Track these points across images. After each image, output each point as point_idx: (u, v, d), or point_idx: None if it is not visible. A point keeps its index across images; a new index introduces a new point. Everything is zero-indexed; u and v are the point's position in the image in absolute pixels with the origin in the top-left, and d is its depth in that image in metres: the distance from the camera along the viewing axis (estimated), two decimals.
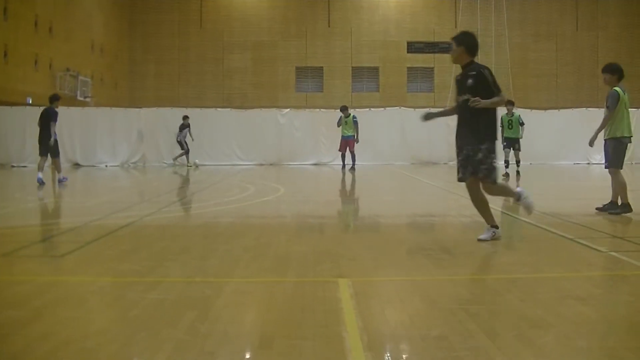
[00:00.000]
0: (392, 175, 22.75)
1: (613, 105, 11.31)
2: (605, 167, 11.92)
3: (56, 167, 19.65)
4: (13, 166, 29.05)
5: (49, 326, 4.90)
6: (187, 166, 29.41)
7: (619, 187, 11.44)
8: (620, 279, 6.74)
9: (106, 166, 29.68)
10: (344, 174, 24.47)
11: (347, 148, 26.50)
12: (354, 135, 26.42)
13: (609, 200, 11.60)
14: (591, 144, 12.15)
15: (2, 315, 5.23)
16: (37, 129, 19.50)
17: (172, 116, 31.06)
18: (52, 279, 6.55)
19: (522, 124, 21.21)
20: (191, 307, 5.40)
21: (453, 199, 15.57)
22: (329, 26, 47.25)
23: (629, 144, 11.72)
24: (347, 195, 17.65)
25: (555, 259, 7.65)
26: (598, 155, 31.20)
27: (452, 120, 27.25)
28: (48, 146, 19.06)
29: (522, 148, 22.30)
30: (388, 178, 21.85)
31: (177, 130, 29.76)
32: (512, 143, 21.27)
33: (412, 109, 32.89)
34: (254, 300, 5.83)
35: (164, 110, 31.98)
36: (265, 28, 47.07)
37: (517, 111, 22.24)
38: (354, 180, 22.22)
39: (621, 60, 46.25)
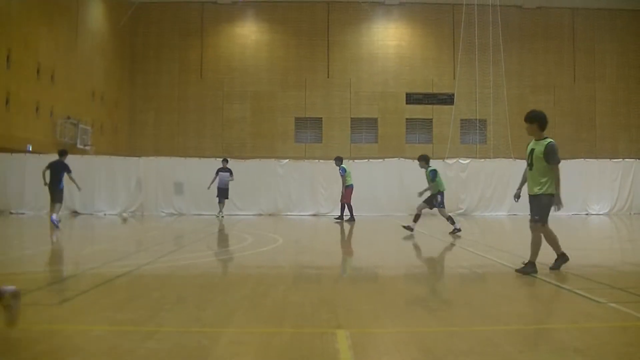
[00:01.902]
0: (390, 226, 22.72)
1: (558, 159, 10.76)
2: (535, 221, 11.01)
3: (55, 210, 20.63)
4: (11, 213, 29.01)
5: None
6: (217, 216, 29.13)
7: (554, 239, 10.97)
8: (619, 331, 6.70)
9: (104, 214, 29.65)
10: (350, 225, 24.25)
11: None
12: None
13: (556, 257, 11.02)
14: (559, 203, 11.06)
15: None
16: (42, 179, 20.98)
17: (171, 165, 31.13)
18: (48, 327, 6.51)
19: (432, 179, 19.79)
20: (187, 357, 5.37)
21: (451, 250, 15.55)
22: (328, 77, 47.56)
23: None
24: (345, 246, 17.61)
25: (554, 310, 7.62)
26: (596, 206, 31.32)
27: (451, 171, 27.27)
28: (57, 193, 20.74)
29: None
30: (386, 229, 21.82)
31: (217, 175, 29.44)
32: (429, 199, 20.09)
33: (411, 160, 32.98)
34: (250, 350, 5.79)
35: (163, 160, 32.04)
36: (265, 78, 47.38)
37: (434, 166, 20.94)
38: (352, 231, 22.19)
39: (618, 111, 46.77)
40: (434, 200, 19.93)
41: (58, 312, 7.42)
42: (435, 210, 20.07)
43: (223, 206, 29.01)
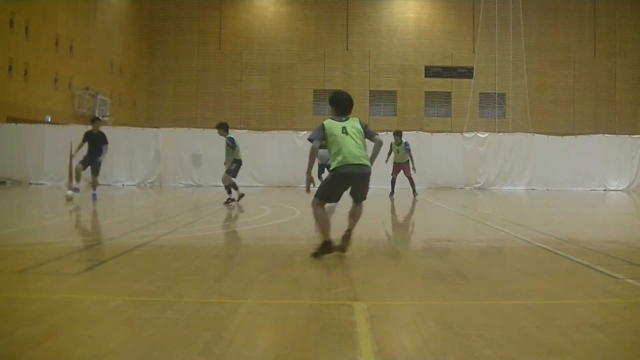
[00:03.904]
0: (409, 200, 22.67)
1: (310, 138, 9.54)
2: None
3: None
4: (30, 183, 29.18)
5: (63, 345, 4.91)
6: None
7: (321, 223, 9.70)
8: (637, 307, 6.68)
9: (123, 185, 29.78)
10: (392, 200, 23.31)
11: (401, 172, 24.36)
12: (409, 160, 24.40)
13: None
14: None
15: (17, 332, 5.24)
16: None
17: (190, 137, 31.18)
18: (68, 297, 6.56)
19: (233, 147, 19.55)
20: (205, 328, 5.39)
21: (469, 224, 15.52)
22: (347, 49, 47.44)
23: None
24: (362, 218, 17.59)
25: (571, 286, 7.60)
26: (615, 182, 31.16)
27: (470, 145, 27.09)
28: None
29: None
30: (404, 202, 21.79)
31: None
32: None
33: (430, 134, 32.90)
34: (268, 322, 5.81)
35: (181, 131, 32.10)
36: (284, 51, 47.32)
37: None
38: (369, 202, 22.16)
39: (638, 87, 46.35)
40: (232, 167, 19.67)
41: (77, 282, 7.46)
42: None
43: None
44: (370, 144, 9.62)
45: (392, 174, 24.71)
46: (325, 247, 9.34)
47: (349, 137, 9.34)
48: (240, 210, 18.24)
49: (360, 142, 9.43)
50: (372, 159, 9.65)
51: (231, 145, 19.51)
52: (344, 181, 9.50)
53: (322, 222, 9.57)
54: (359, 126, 9.58)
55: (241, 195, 19.73)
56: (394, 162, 24.57)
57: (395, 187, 24.72)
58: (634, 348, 5.23)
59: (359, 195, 9.91)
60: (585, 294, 7.15)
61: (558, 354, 4.86)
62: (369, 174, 9.57)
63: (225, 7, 47.63)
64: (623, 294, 7.20)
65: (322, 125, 9.52)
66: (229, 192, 19.51)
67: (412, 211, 19.51)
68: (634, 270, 8.71)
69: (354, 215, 10.02)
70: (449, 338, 5.32)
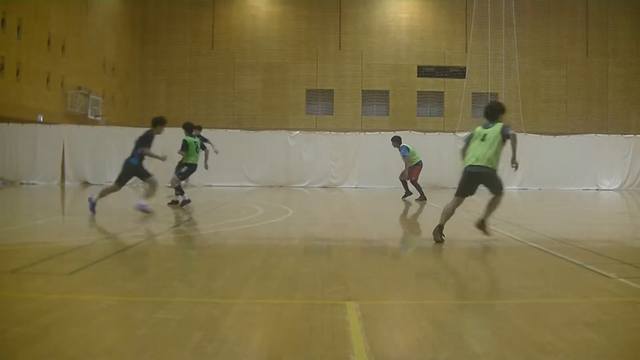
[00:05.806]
0: (401, 199, 22.66)
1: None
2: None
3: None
4: (22, 183, 29.11)
5: (56, 344, 4.90)
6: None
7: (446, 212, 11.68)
8: (630, 306, 6.70)
9: None
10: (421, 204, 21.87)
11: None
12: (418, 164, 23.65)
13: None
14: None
15: (10, 331, 5.23)
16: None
17: (182, 136, 31.10)
18: (60, 297, 6.54)
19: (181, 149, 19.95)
20: (198, 328, 5.39)
21: (461, 223, 15.53)
22: (340, 49, 47.39)
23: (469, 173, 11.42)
24: (355, 218, 17.59)
25: (564, 285, 7.61)
26: (607, 181, 31.22)
27: (462, 144, 27.06)
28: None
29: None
30: (397, 201, 21.76)
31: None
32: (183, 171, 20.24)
33: (422, 133, 32.92)
34: (261, 321, 5.81)
35: (174, 130, 32.00)
36: (276, 50, 47.25)
37: None
38: (362, 203, 22.17)
39: (631, 86, 46.49)
40: (181, 169, 19.83)
41: (69, 282, 7.45)
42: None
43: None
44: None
45: (411, 178, 23.37)
46: (437, 228, 11.16)
47: (482, 143, 11.15)
48: (233, 210, 18.22)
49: (488, 146, 11.15)
50: (513, 156, 11.70)
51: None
52: (467, 177, 11.27)
53: (446, 212, 11.45)
54: (499, 130, 11.21)
55: (174, 203, 18.85)
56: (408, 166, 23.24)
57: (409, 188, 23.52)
58: (626, 347, 5.24)
59: (491, 189, 11.35)
60: (577, 293, 7.16)
61: (550, 352, 4.86)
62: (485, 172, 11.09)
63: (218, 6, 47.55)
64: (615, 293, 7.21)
65: (474, 131, 11.51)
66: (182, 193, 19.14)
67: (405, 211, 19.51)
68: (626, 269, 8.73)
69: (489, 205, 11.45)
70: (441, 337, 5.32)
